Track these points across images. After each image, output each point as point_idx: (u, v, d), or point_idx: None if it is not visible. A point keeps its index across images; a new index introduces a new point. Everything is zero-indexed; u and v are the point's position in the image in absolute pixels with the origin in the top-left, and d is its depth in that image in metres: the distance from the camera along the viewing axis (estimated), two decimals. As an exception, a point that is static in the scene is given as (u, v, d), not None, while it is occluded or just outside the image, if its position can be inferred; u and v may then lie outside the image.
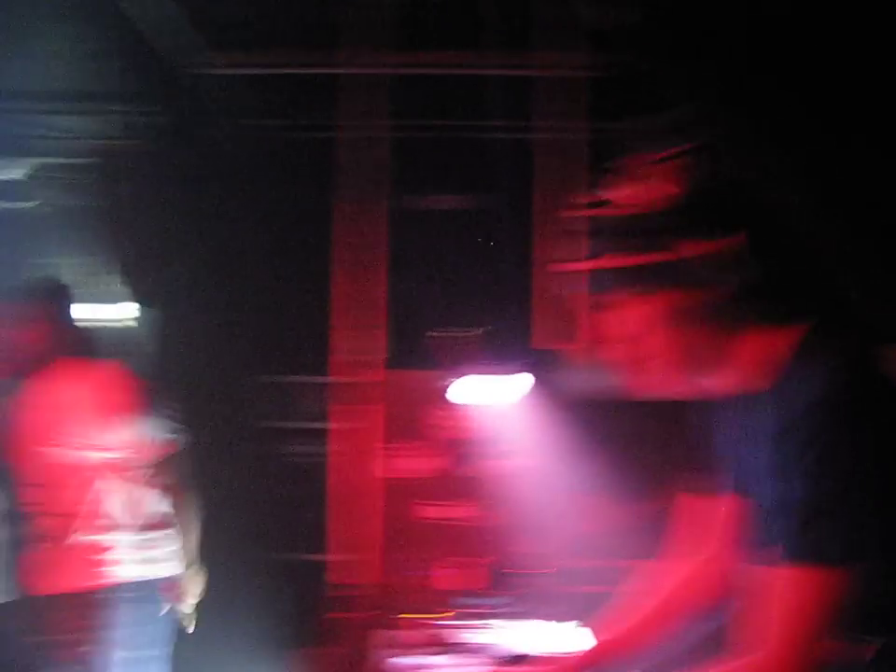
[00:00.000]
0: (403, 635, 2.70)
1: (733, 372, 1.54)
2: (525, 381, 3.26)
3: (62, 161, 6.07)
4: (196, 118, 5.04)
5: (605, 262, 1.51)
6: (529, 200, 3.76)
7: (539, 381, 3.38)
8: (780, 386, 1.46)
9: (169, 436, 3.54)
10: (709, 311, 1.48)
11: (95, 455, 3.36)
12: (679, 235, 1.44)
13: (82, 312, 7.20)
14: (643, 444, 4.89)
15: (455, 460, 3.39)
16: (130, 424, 3.41)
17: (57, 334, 3.44)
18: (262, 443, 5.51)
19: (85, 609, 3.35)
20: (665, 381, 1.55)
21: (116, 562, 3.41)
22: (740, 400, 1.62)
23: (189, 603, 3.56)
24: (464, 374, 3.00)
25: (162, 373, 4.10)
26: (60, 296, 3.60)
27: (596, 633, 2.06)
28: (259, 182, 5.70)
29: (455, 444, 3.40)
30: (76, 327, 3.60)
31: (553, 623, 2.87)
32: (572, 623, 2.85)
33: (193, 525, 3.64)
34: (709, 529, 1.83)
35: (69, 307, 3.59)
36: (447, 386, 3.04)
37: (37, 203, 7.04)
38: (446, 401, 3.31)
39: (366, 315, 3.51)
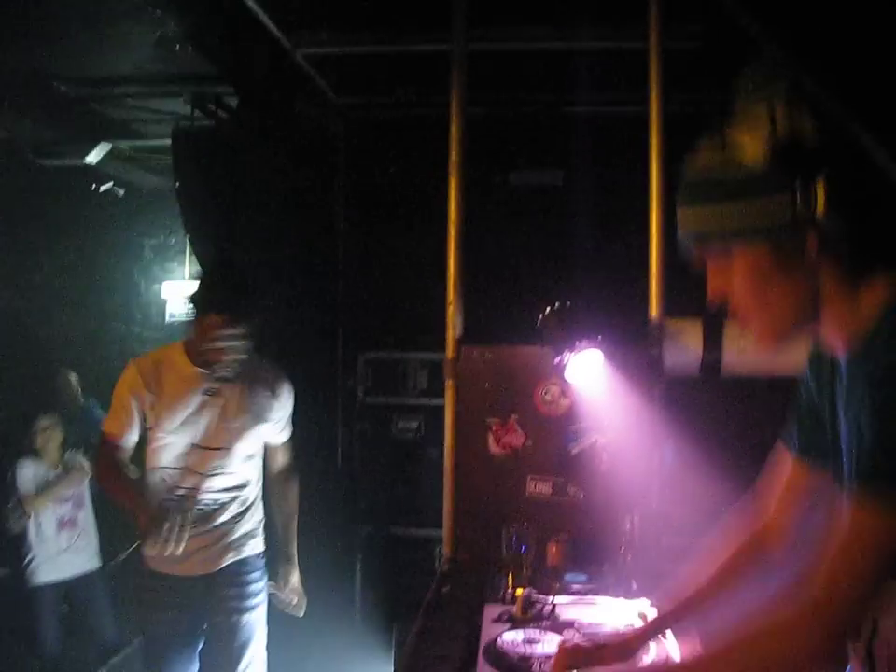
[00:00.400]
0: (511, 609, 2.72)
1: (822, 328, 1.57)
2: (622, 356, 3.26)
3: (151, 143, 6.16)
4: (288, 96, 5.07)
5: (694, 219, 1.55)
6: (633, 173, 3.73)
7: (637, 357, 3.38)
8: (870, 343, 1.47)
9: (287, 424, 3.71)
10: (796, 265, 1.48)
11: (246, 445, 3.54)
12: (759, 187, 1.45)
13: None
14: (734, 424, 4.87)
15: (561, 436, 3.39)
16: (269, 415, 3.59)
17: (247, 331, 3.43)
18: (371, 419, 5.58)
19: (232, 581, 3.55)
20: (764, 336, 1.58)
21: (253, 537, 3.65)
22: (825, 360, 1.68)
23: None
24: (570, 350, 3.00)
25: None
26: (249, 293, 3.48)
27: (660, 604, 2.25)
28: (352, 159, 5.75)
29: (560, 420, 3.40)
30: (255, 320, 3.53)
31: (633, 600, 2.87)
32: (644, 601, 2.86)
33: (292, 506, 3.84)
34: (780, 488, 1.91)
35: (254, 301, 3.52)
36: (554, 362, 3.05)
37: (116, 185, 7.18)
38: (553, 377, 3.33)
39: (468, 291, 3.52)
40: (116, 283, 8.01)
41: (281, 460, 3.77)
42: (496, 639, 2.47)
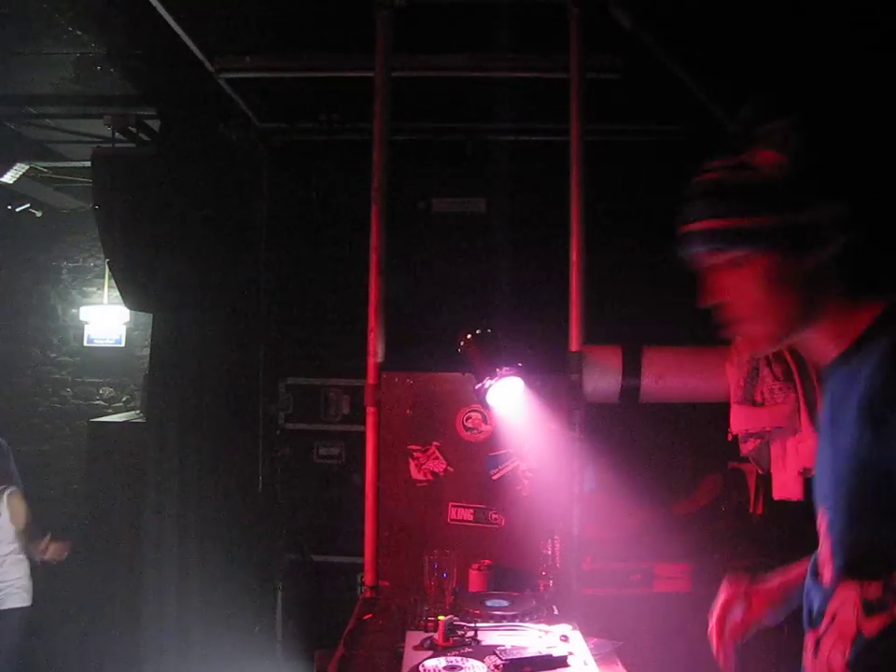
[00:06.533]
0: (433, 636, 2.71)
1: (813, 337, 1.66)
2: (542, 383, 3.30)
3: (71, 164, 6.06)
4: (210, 120, 5.03)
5: (714, 224, 1.63)
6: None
7: (557, 383, 3.41)
8: (848, 356, 1.58)
9: None
10: (801, 276, 1.59)
11: None
12: (780, 204, 1.56)
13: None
14: (652, 449, 4.94)
15: (483, 463, 3.41)
16: None
17: None
18: (293, 445, 5.53)
19: None
20: (759, 340, 1.70)
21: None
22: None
23: None
24: (491, 377, 3.02)
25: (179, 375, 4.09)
26: None
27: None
28: (275, 184, 5.72)
29: (481, 447, 3.42)
30: None
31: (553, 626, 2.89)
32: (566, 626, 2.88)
33: None
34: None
35: None
36: (475, 389, 3.06)
37: (33, 206, 7.04)
38: (474, 404, 3.34)
39: (390, 317, 3.52)
40: (32, 306, 7.86)
41: None
42: (418, 666, 2.47)
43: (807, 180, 1.55)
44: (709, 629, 2.02)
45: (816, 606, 1.65)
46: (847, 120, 1.60)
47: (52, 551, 5.13)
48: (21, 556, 5.23)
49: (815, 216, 1.54)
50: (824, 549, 1.65)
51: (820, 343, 1.66)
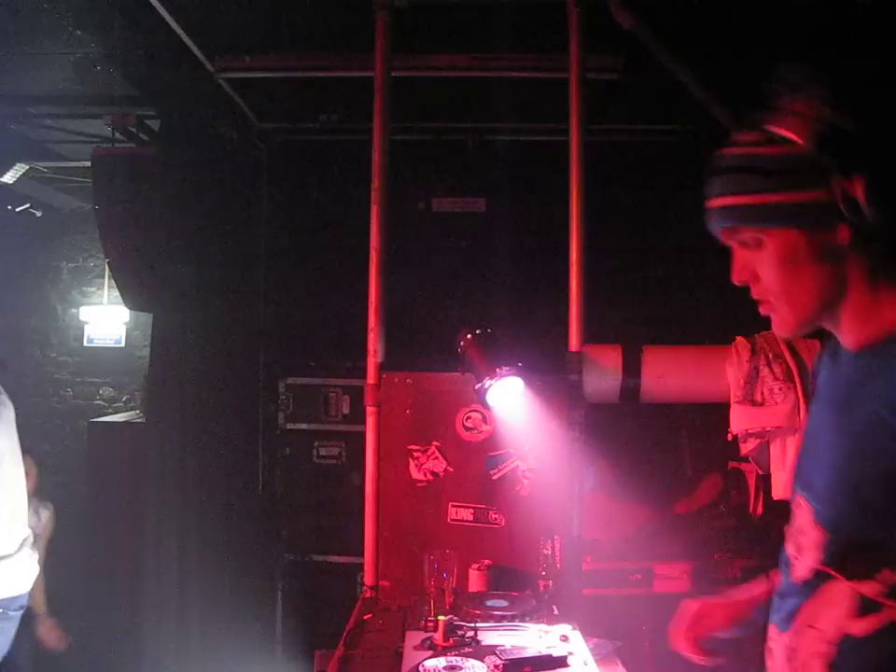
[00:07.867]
0: (433, 636, 2.71)
1: (838, 319, 1.58)
2: (542, 383, 3.29)
3: (71, 164, 6.06)
4: (210, 120, 5.03)
5: (731, 201, 1.56)
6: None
7: (557, 383, 3.41)
8: (879, 346, 1.51)
9: None
10: (824, 254, 1.50)
11: None
12: (799, 178, 1.48)
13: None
14: (652, 449, 4.94)
15: (483, 463, 3.41)
16: None
17: None
18: (293, 446, 5.53)
19: None
20: (786, 322, 1.59)
21: None
22: (838, 359, 1.66)
23: None
24: (490, 376, 3.01)
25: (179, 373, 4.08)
26: None
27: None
28: (275, 184, 5.72)
29: (481, 447, 3.42)
30: None
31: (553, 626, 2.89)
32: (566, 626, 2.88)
33: None
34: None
35: None
36: (475, 389, 3.06)
37: (33, 206, 7.04)
38: (474, 403, 3.34)
39: (390, 317, 3.52)
40: (32, 306, 7.85)
41: None
42: (418, 666, 2.47)
43: (830, 154, 1.45)
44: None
45: (789, 605, 1.57)
46: (876, 94, 1.50)
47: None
48: None
49: (836, 192, 1.45)
50: (805, 541, 1.54)
51: (844, 326, 1.58)
